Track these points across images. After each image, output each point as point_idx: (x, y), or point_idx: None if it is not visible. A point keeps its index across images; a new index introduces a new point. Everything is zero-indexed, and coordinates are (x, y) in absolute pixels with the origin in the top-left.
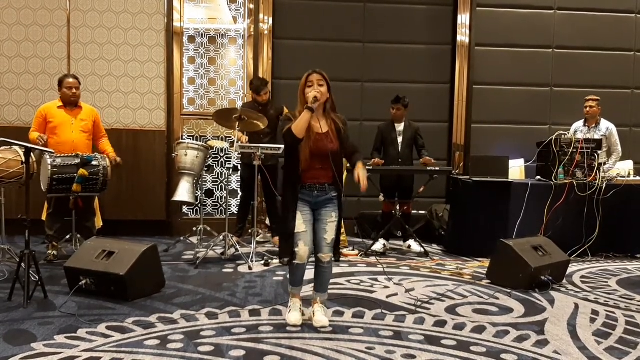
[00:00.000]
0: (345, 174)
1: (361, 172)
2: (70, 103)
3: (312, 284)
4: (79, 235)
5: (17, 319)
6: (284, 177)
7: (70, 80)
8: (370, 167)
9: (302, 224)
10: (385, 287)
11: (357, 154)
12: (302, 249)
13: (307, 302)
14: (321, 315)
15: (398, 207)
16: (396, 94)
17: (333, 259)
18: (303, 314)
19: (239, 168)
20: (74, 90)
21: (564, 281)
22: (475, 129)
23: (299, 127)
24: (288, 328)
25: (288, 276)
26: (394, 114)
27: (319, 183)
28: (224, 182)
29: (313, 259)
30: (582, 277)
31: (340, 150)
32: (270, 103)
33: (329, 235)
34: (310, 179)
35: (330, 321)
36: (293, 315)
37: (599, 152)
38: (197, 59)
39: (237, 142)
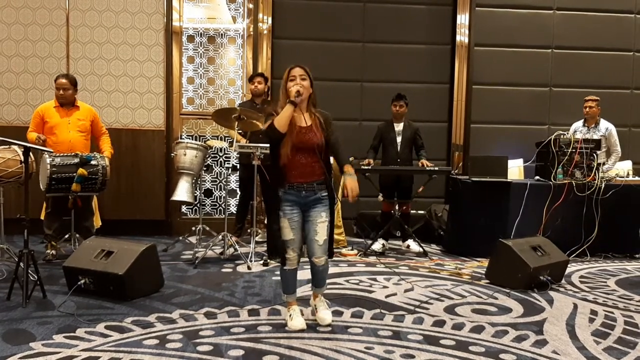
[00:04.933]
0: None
1: (349, 182)
2: (64, 103)
3: (309, 284)
4: (77, 235)
5: (15, 319)
6: (268, 176)
7: (61, 80)
8: (367, 168)
9: (289, 231)
10: (384, 287)
11: (341, 152)
12: (292, 255)
13: (305, 301)
14: (324, 311)
15: (397, 207)
16: (395, 93)
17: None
18: (302, 314)
19: (238, 168)
20: (62, 92)
21: (563, 281)
22: (475, 129)
23: (281, 120)
24: (287, 328)
25: (281, 282)
26: (396, 111)
27: (306, 182)
28: (223, 181)
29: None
30: (581, 277)
31: (325, 145)
32: (268, 101)
33: (320, 236)
34: (298, 178)
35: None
36: (297, 320)
37: (598, 152)
38: (196, 58)
39: (236, 142)
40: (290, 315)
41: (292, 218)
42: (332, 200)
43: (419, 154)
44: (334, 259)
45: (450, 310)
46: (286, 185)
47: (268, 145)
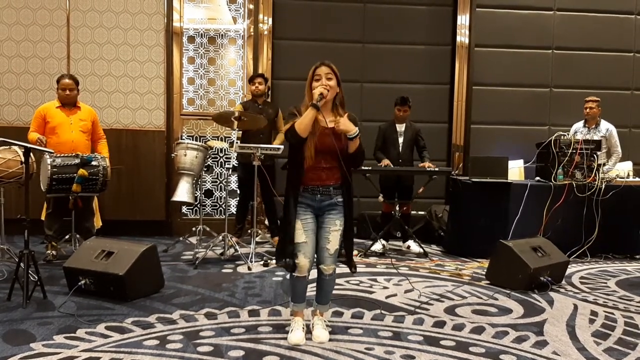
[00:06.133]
0: None
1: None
2: (66, 103)
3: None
4: (78, 235)
5: (16, 319)
6: (287, 177)
7: (66, 81)
8: (367, 169)
9: (302, 233)
10: (385, 287)
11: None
12: (302, 261)
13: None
14: (320, 330)
15: (397, 208)
16: (396, 94)
17: (353, 268)
18: (304, 328)
19: (237, 168)
20: (68, 92)
21: (563, 282)
22: (475, 130)
23: (302, 125)
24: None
25: (289, 286)
26: (400, 116)
27: (322, 185)
28: (223, 182)
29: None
30: (581, 278)
31: (347, 149)
32: (268, 103)
33: (332, 245)
34: (313, 181)
35: (329, 321)
36: (295, 335)
37: (599, 153)
38: (196, 59)
39: (237, 142)
40: (292, 328)
41: (306, 220)
42: (349, 208)
43: (422, 156)
44: None
45: (450, 311)
46: (301, 188)
47: (270, 146)
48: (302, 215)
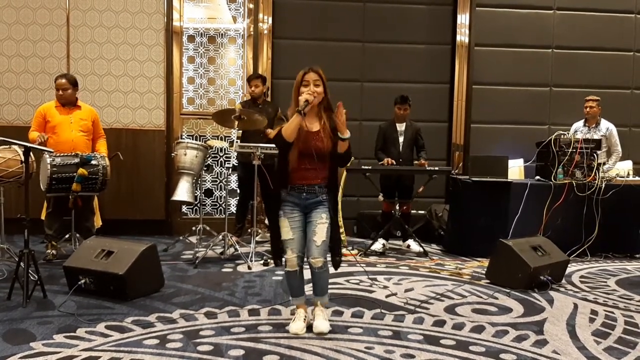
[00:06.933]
0: (344, 174)
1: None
2: (64, 103)
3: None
4: (78, 235)
5: (16, 318)
6: (274, 177)
7: (60, 81)
8: (367, 168)
9: (289, 231)
10: (385, 286)
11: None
12: (290, 256)
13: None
14: (321, 321)
15: (397, 207)
16: (396, 93)
17: (339, 259)
18: (305, 319)
19: (237, 167)
20: (61, 92)
21: (563, 281)
22: (475, 129)
23: (288, 130)
24: (287, 327)
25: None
26: (400, 115)
27: (307, 184)
28: (223, 181)
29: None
30: (581, 277)
31: (331, 151)
32: (268, 102)
33: (319, 237)
34: (299, 180)
35: (329, 321)
36: (295, 324)
37: (599, 152)
38: (196, 58)
39: (237, 141)
40: (293, 318)
41: (293, 218)
42: (333, 208)
43: (418, 155)
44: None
45: (450, 310)
46: (288, 187)
47: (270, 145)
48: (289, 213)
